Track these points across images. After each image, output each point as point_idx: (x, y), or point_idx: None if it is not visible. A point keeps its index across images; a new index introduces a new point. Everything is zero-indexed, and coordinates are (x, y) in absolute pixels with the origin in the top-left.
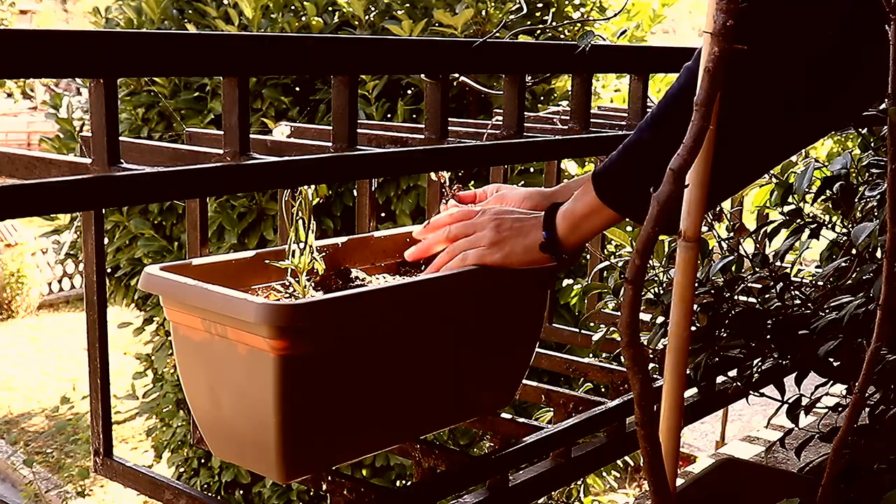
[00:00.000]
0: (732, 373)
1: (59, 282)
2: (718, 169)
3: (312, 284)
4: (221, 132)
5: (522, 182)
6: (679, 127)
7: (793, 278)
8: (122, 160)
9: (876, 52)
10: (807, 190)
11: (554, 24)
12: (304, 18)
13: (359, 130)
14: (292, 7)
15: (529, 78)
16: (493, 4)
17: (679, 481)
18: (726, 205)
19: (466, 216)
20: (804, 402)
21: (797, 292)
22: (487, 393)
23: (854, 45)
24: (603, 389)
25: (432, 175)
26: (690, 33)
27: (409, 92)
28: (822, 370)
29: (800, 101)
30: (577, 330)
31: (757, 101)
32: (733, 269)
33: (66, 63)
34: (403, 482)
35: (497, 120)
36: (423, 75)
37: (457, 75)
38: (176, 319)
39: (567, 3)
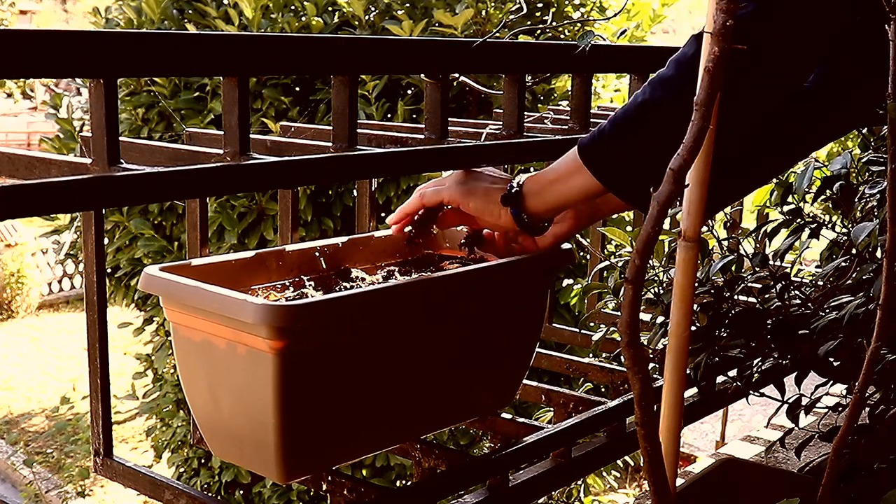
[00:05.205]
0: (732, 373)
1: (59, 282)
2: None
3: (312, 284)
4: (221, 132)
5: None
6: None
7: (793, 278)
8: (122, 160)
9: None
10: (807, 189)
11: (554, 24)
12: (304, 18)
13: (359, 130)
14: (292, 7)
15: (529, 78)
16: (493, 4)
17: (679, 481)
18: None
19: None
20: (804, 402)
21: (797, 292)
22: (488, 393)
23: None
24: (603, 389)
25: None
26: (690, 33)
27: (409, 92)
28: (822, 370)
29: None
30: (577, 330)
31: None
32: (733, 269)
33: (66, 63)
34: (403, 482)
35: (495, 122)
36: (423, 75)
37: (457, 75)
38: (176, 320)
39: (567, 3)
